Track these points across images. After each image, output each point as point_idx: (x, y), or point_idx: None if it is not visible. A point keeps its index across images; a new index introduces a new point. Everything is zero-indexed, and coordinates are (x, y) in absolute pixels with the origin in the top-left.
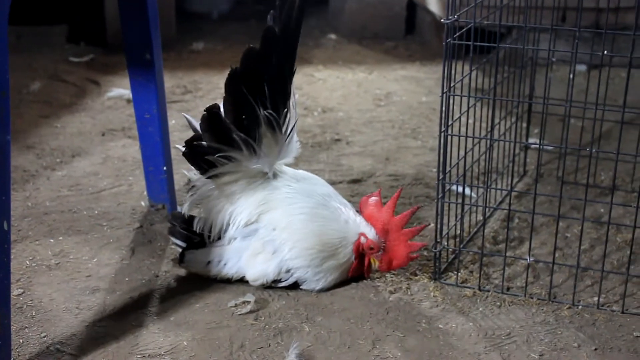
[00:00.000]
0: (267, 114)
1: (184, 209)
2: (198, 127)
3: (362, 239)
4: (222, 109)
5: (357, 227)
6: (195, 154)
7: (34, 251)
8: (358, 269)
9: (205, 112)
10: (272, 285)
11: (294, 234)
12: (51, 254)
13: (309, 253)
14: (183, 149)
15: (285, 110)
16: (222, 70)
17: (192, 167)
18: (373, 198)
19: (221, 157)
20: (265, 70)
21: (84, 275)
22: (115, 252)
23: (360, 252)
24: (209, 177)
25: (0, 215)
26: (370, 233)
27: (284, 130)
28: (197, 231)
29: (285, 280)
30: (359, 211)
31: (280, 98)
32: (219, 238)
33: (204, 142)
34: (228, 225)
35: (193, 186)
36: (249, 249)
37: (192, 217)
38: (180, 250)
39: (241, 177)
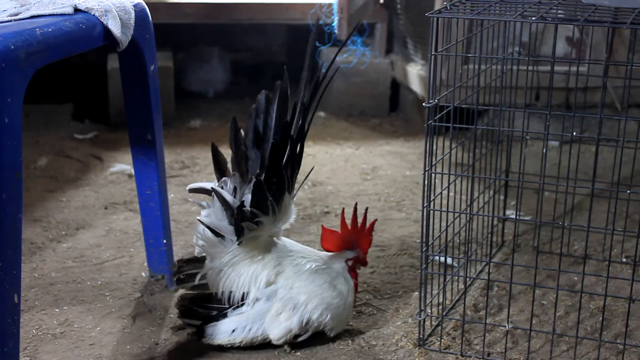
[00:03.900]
0: (290, 181)
1: (196, 279)
2: (227, 198)
3: (350, 263)
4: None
5: (340, 260)
6: (239, 219)
7: (40, 320)
8: (356, 285)
9: (255, 180)
10: (292, 342)
11: (309, 286)
12: (56, 323)
13: (322, 301)
14: (202, 216)
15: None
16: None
17: (210, 237)
18: (325, 234)
19: (254, 223)
20: (291, 141)
21: (87, 344)
22: (117, 321)
23: (355, 271)
24: (239, 244)
25: (11, 288)
26: (350, 254)
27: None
28: (219, 301)
29: (305, 333)
30: (327, 251)
31: (296, 163)
32: (239, 306)
33: (248, 208)
34: (250, 287)
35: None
36: (271, 309)
37: (205, 294)
38: (194, 329)
39: (259, 243)
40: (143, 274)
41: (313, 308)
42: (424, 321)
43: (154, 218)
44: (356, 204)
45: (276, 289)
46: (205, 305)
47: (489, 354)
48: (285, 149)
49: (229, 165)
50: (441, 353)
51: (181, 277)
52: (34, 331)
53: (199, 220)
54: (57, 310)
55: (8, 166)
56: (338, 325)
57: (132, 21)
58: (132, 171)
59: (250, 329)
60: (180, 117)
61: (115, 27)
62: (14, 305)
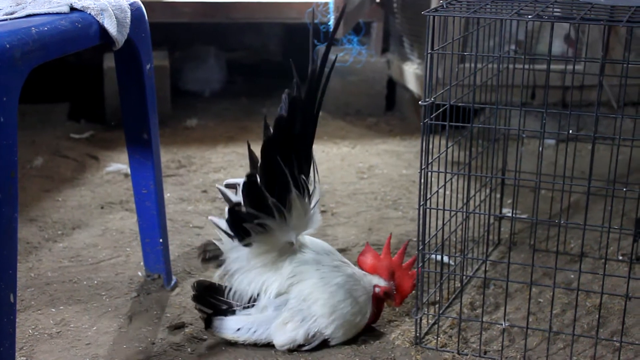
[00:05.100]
0: (297, 180)
1: (214, 278)
2: (231, 197)
3: (377, 290)
4: (257, 177)
5: (370, 281)
6: (235, 219)
7: (36, 320)
8: (376, 314)
9: (245, 178)
10: (296, 349)
11: (324, 303)
12: (53, 322)
13: (340, 317)
14: (220, 218)
15: (310, 178)
16: (214, 145)
17: (223, 238)
18: (367, 252)
19: (257, 225)
20: (292, 137)
21: (83, 343)
22: (114, 320)
23: (377, 300)
24: (245, 245)
25: (7, 287)
26: (381, 282)
27: (310, 200)
28: (229, 299)
29: (310, 344)
30: (360, 267)
31: (305, 166)
32: (248, 307)
33: (243, 209)
34: (259, 294)
35: (221, 259)
36: (279, 317)
37: (219, 286)
38: (205, 315)
39: (271, 248)
40: (139, 273)
41: (329, 322)
42: (421, 319)
43: (150, 217)
44: (408, 242)
45: (287, 298)
46: (217, 298)
47: (485, 352)
48: (280, 146)
49: None
50: (438, 351)
51: (206, 257)
52: (30, 331)
53: (209, 219)
54: (53, 310)
55: (4, 165)
56: (343, 338)
57: (128, 20)
58: (128, 170)
59: (255, 331)
60: (176, 116)
61: (111, 26)
62: (10, 305)
